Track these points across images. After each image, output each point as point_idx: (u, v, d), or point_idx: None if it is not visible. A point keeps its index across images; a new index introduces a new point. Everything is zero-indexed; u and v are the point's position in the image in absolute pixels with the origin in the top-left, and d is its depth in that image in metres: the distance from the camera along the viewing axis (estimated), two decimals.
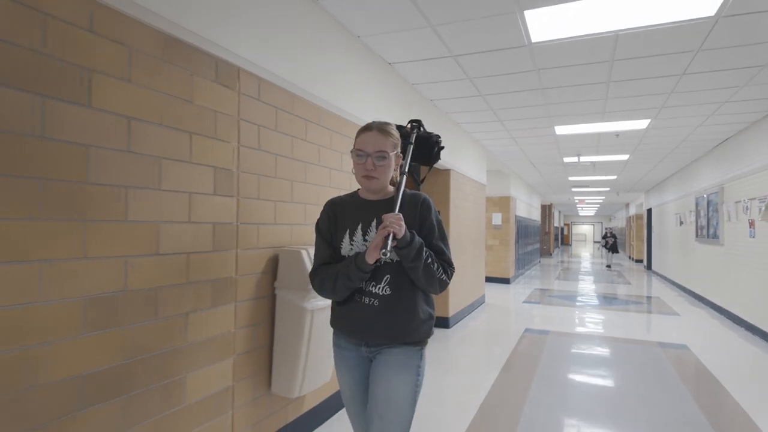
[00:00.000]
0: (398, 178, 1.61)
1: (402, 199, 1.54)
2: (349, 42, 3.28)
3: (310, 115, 2.82)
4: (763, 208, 5.46)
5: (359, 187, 1.68)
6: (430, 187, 5.86)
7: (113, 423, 1.64)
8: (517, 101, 4.97)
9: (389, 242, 1.39)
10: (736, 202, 6.44)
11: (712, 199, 7.63)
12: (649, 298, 9.24)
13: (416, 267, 1.47)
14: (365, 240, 1.55)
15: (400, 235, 1.42)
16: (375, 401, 1.54)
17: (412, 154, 1.68)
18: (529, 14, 2.93)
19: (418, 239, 1.49)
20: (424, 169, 1.89)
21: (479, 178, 7.61)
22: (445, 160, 5.61)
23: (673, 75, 4.05)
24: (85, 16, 1.54)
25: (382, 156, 1.53)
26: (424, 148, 1.75)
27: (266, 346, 2.45)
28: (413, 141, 1.70)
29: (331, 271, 1.56)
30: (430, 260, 1.50)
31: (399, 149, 1.61)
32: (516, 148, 7.88)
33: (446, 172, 5.93)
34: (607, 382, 3.95)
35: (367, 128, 1.57)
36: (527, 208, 14.31)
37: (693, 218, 8.95)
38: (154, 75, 1.79)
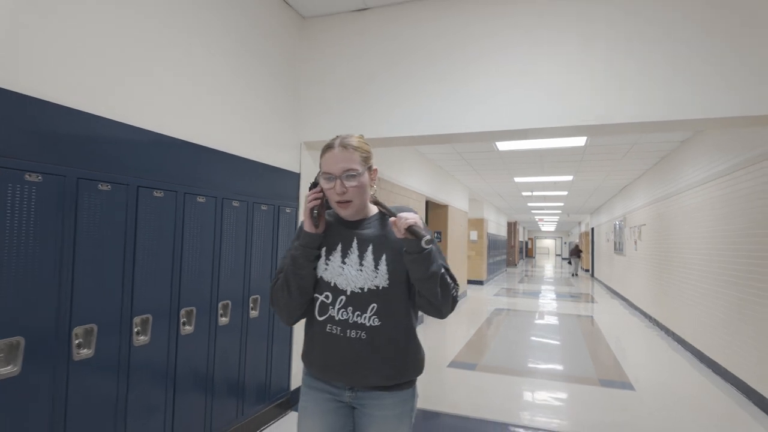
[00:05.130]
0: (374, 198, 1.39)
1: (390, 211, 1.32)
2: (421, 156, 6.45)
3: (409, 193, 5.96)
4: (639, 232, 8.91)
5: None
6: (436, 217, 9.06)
7: None
8: (490, 167, 8.27)
9: (421, 231, 1.23)
10: (630, 228, 9.93)
11: (621, 224, 11.15)
12: (582, 294, 12.70)
13: (434, 275, 1.25)
14: (343, 262, 1.33)
15: (422, 234, 1.22)
16: None
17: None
18: (498, 143, 6.19)
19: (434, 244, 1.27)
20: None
21: (463, 207, 10.89)
22: (444, 198, 8.82)
23: (575, 161, 7.41)
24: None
25: (352, 175, 1.29)
26: None
27: None
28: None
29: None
30: (443, 270, 1.29)
31: (372, 163, 1.37)
32: (488, 187, 11.22)
33: (445, 207, 9.14)
34: (542, 331, 7.18)
35: (329, 146, 1.32)
36: (496, 227, 17.76)
37: (612, 237, 12.50)
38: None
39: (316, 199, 1.33)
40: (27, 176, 1.70)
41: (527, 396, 4.02)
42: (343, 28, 3.48)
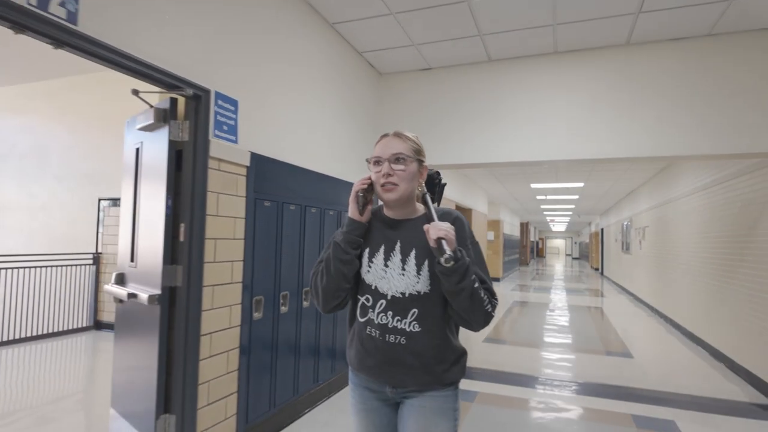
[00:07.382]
0: (423, 195, 1.38)
1: (431, 214, 1.32)
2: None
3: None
4: (643, 233, 10.01)
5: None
6: None
7: None
8: (510, 176, 9.43)
9: (445, 247, 1.18)
10: (635, 229, 11.02)
11: (628, 225, 12.23)
12: (592, 289, 13.79)
13: (464, 290, 1.21)
14: (386, 265, 1.33)
15: (452, 246, 1.20)
16: None
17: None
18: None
19: (466, 257, 1.25)
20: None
21: (483, 210, 12.04)
22: (468, 203, 9.98)
23: (586, 171, 8.54)
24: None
25: (400, 158, 1.30)
26: (430, 186, 1.47)
27: None
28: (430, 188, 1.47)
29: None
30: (477, 284, 1.24)
31: (423, 158, 1.37)
32: (505, 191, 12.36)
33: (469, 211, 10.30)
34: (558, 319, 8.33)
35: (384, 135, 1.36)
36: (510, 227, 18.88)
37: (620, 237, 13.57)
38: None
39: (364, 184, 1.33)
40: (264, 203, 2.92)
41: (548, 360, 5.18)
42: (410, 82, 4.68)
